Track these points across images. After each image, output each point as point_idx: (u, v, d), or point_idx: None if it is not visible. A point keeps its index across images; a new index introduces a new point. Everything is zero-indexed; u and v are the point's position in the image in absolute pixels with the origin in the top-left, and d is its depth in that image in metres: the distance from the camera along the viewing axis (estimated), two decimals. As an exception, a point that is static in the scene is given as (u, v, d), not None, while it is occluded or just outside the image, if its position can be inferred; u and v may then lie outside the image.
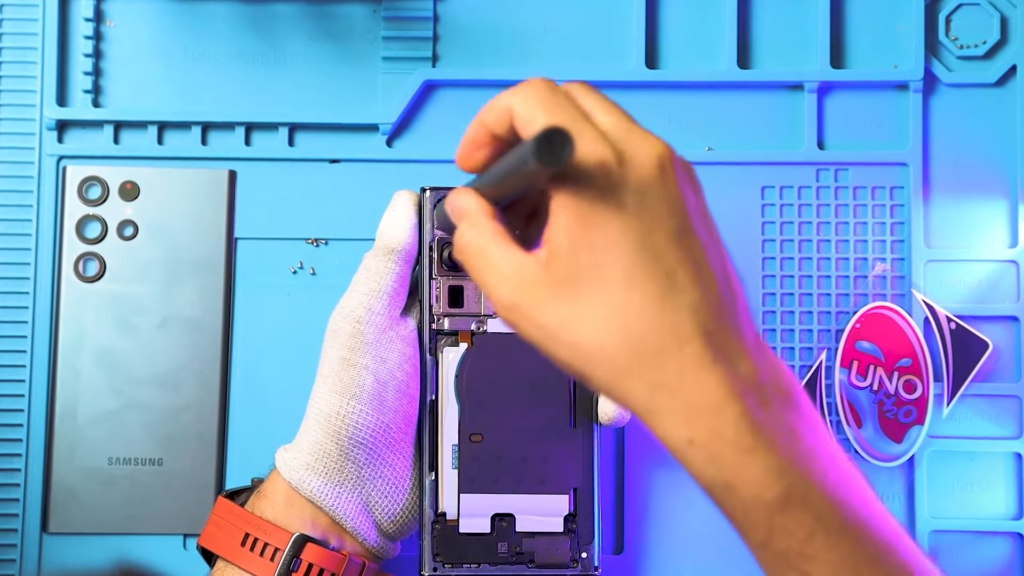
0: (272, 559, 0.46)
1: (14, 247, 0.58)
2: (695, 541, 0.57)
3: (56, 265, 0.57)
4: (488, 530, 0.49)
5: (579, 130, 0.35)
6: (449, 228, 0.48)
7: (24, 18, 0.59)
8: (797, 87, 0.60)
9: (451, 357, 0.50)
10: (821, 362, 0.58)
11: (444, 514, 0.49)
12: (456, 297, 0.50)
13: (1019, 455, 0.58)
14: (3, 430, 0.57)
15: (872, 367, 0.57)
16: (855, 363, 0.57)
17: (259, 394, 0.58)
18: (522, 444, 0.50)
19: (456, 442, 0.49)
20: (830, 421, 0.58)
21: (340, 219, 0.58)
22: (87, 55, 0.59)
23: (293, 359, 0.57)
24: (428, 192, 0.50)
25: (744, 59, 0.60)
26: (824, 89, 0.59)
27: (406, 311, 0.50)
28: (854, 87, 0.60)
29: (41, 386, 0.57)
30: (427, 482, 0.49)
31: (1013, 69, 0.59)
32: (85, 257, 0.57)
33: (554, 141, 0.32)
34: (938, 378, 0.57)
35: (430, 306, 0.50)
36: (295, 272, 0.58)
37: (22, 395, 0.57)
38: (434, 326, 0.50)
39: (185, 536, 0.57)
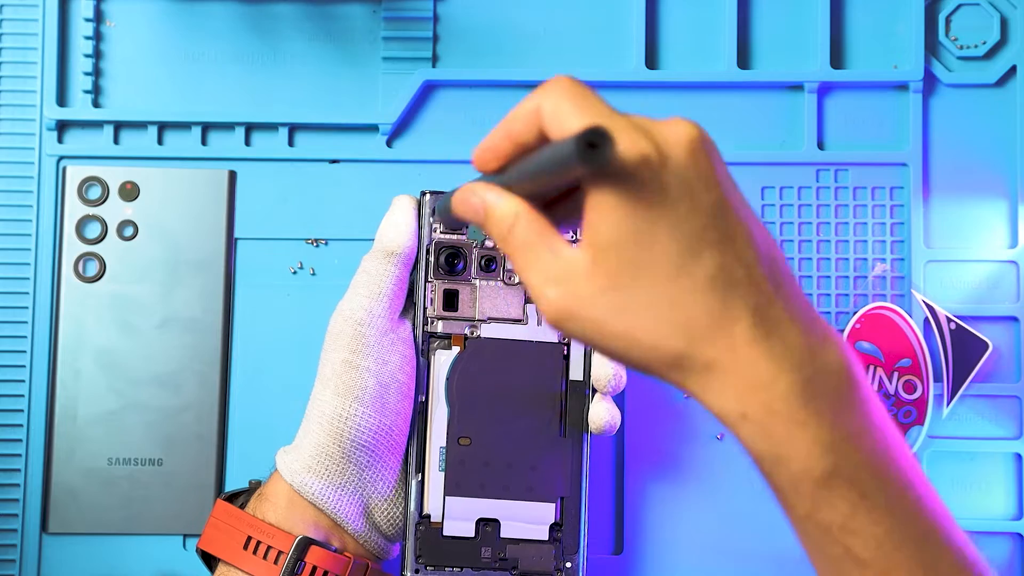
0: (276, 562, 0.46)
1: (14, 247, 0.58)
2: (694, 542, 0.57)
3: (56, 265, 0.57)
4: (472, 534, 0.49)
5: (616, 126, 0.34)
6: (452, 222, 0.47)
7: (24, 18, 0.59)
8: (797, 87, 0.60)
9: (443, 360, 0.50)
10: (821, 362, 0.58)
11: (429, 516, 0.49)
12: (451, 301, 0.50)
13: (1019, 455, 0.58)
14: (3, 430, 0.57)
15: (872, 367, 0.57)
16: (855, 363, 0.57)
17: (259, 394, 0.58)
18: (510, 450, 0.49)
19: (444, 444, 0.49)
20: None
21: (340, 219, 0.58)
22: (87, 55, 0.59)
23: (293, 359, 0.57)
24: (427, 196, 0.50)
25: (744, 59, 0.60)
26: (824, 89, 0.59)
27: (404, 314, 0.50)
28: (854, 87, 0.60)
29: (41, 386, 0.57)
30: (413, 483, 0.49)
31: (1013, 69, 0.59)
32: (85, 257, 0.57)
33: (595, 141, 0.32)
34: (938, 378, 0.57)
35: (424, 308, 0.50)
36: (295, 272, 0.58)
37: (22, 395, 0.57)
38: (427, 328, 0.50)
39: (185, 536, 0.57)
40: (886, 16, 0.60)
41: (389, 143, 0.59)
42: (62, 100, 0.59)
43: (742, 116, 0.59)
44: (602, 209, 0.35)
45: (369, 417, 0.47)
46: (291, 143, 0.59)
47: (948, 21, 0.60)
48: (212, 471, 0.57)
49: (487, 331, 0.50)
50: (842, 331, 0.58)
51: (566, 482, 0.50)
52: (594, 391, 0.50)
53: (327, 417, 0.47)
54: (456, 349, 0.50)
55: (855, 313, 0.58)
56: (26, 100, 0.59)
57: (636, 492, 0.58)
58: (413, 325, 0.50)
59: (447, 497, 0.49)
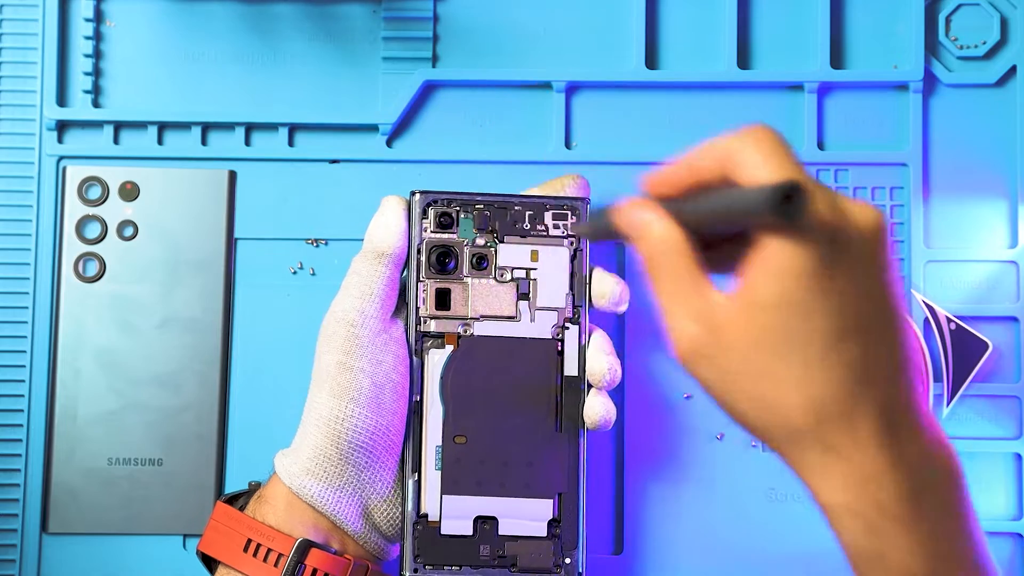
0: (276, 565, 0.46)
1: (14, 247, 0.58)
2: (694, 542, 0.57)
3: (56, 265, 0.57)
4: (470, 532, 0.49)
5: (810, 189, 0.34)
6: (594, 233, 0.47)
7: (24, 18, 0.59)
8: (797, 87, 0.60)
9: (436, 359, 0.50)
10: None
11: (426, 515, 0.49)
12: (443, 300, 0.50)
13: (1019, 455, 0.58)
14: (3, 430, 0.57)
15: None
16: (855, 363, 0.57)
17: (259, 394, 0.58)
18: (506, 447, 0.49)
19: (440, 443, 0.49)
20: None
21: (340, 219, 0.58)
22: (87, 55, 0.59)
23: (293, 359, 0.57)
24: (417, 195, 0.50)
25: (744, 59, 0.60)
26: (824, 89, 0.59)
27: (396, 314, 0.50)
28: (854, 87, 0.59)
29: (41, 386, 0.57)
30: (410, 483, 0.49)
31: (1013, 69, 0.59)
32: (85, 257, 0.57)
33: (793, 196, 0.32)
34: (938, 378, 0.57)
35: (416, 308, 0.50)
36: (295, 272, 0.58)
37: (22, 395, 0.57)
38: (420, 328, 0.50)
39: (185, 536, 0.57)
40: (886, 16, 0.60)
41: (389, 143, 0.59)
42: (62, 100, 0.59)
43: (742, 116, 0.59)
44: (771, 267, 0.34)
45: (366, 418, 0.47)
46: (291, 143, 0.59)
47: (948, 21, 0.60)
48: (212, 471, 0.57)
49: (480, 329, 0.50)
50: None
51: (563, 478, 0.50)
52: (589, 386, 0.50)
53: (323, 419, 0.47)
54: (449, 348, 0.50)
55: (855, 313, 0.58)
56: (26, 100, 0.59)
57: (636, 491, 0.58)
58: (406, 325, 0.50)
59: (444, 496, 0.49)
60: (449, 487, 0.49)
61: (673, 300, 0.36)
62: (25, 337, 0.57)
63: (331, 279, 0.58)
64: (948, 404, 0.57)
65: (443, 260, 0.50)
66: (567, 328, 0.50)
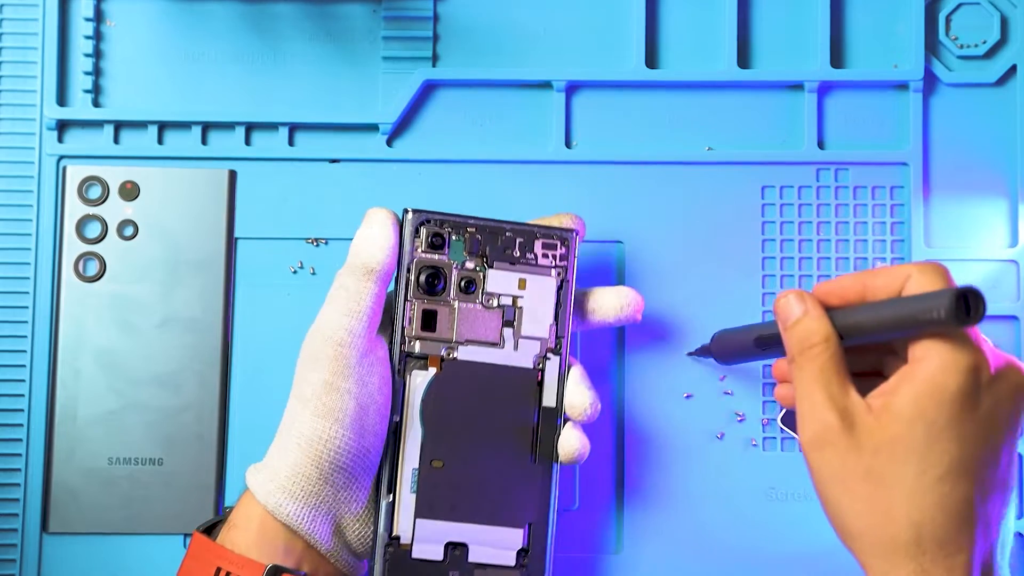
0: None
1: (14, 247, 0.58)
2: (694, 542, 0.57)
3: (56, 265, 0.57)
4: (441, 557, 0.49)
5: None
6: (732, 354, 0.49)
7: (24, 18, 0.59)
8: (797, 87, 0.60)
9: (419, 381, 0.49)
10: (821, 362, 0.58)
11: (398, 538, 0.49)
12: (429, 321, 0.49)
13: (1019, 456, 0.58)
14: (3, 430, 0.57)
15: (872, 367, 0.57)
16: (855, 363, 0.57)
17: (259, 394, 0.58)
18: (482, 474, 0.49)
19: (416, 466, 0.49)
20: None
21: (340, 219, 0.58)
22: (87, 55, 0.59)
23: (293, 359, 0.57)
24: (410, 214, 0.50)
25: (744, 59, 0.60)
26: (824, 89, 0.59)
27: (380, 330, 0.50)
28: (854, 87, 0.60)
29: (41, 386, 0.57)
30: (384, 504, 0.49)
31: (1013, 69, 0.59)
32: (85, 257, 0.57)
33: (970, 299, 0.34)
34: (938, 378, 0.57)
35: (403, 328, 0.49)
36: (295, 272, 0.58)
37: (22, 395, 0.57)
38: (405, 348, 0.49)
39: (185, 536, 0.57)
40: (886, 16, 0.60)
41: (389, 143, 0.59)
42: (62, 100, 0.59)
43: (742, 116, 0.59)
44: (919, 381, 0.36)
45: (349, 440, 0.47)
46: (291, 143, 0.59)
47: (948, 20, 0.60)
48: (212, 471, 0.57)
49: (464, 353, 0.50)
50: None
51: (535, 508, 0.49)
52: (565, 419, 0.50)
53: (306, 439, 0.47)
54: (432, 370, 0.49)
55: (855, 313, 0.58)
56: (26, 100, 0.59)
57: (636, 491, 0.58)
58: (390, 343, 0.49)
59: (417, 519, 0.49)
60: (423, 511, 0.49)
61: (816, 387, 0.39)
62: (25, 337, 0.57)
63: (331, 279, 0.58)
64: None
65: (432, 281, 0.49)
66: (548, 359, 0.50)
